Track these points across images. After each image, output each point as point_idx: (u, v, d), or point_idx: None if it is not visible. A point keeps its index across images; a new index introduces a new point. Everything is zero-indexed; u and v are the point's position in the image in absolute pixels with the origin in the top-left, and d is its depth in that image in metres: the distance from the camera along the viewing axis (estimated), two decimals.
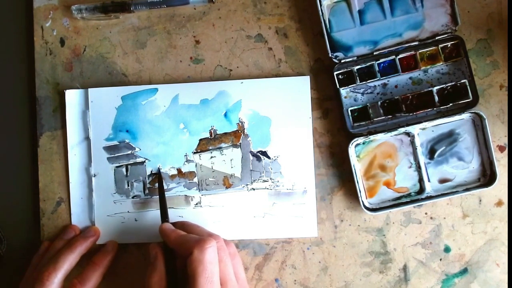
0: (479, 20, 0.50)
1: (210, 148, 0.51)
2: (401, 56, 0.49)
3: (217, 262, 0.42)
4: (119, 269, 0.51)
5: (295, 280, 0.50)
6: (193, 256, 0.41)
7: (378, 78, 0.49)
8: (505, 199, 0.49)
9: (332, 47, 0.49)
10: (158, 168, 0.50)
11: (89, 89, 0.51)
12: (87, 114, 0.51)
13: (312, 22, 0.51)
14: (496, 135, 0.50)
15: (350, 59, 0.49)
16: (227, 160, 0.51)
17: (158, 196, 0.50)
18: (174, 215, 0.50)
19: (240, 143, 0.51)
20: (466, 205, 0.50)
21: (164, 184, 0.50)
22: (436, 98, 0.49)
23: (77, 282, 0.47)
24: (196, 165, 0.51)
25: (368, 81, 0.50)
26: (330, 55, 0.49)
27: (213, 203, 0.50)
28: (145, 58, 0.52)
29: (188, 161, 0.51)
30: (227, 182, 0.51)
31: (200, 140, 0.51)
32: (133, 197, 0.51)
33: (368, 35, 0.49)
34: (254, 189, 0.50)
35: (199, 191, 0.51)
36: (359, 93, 0.50)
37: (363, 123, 0.49)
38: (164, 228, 0.46)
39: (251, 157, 0.50)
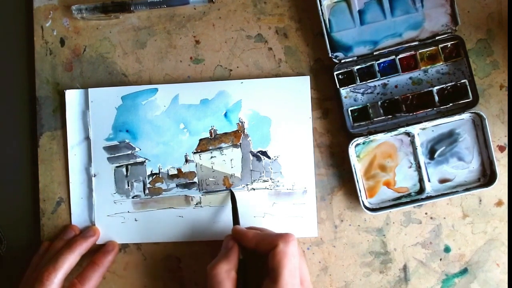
0: (479, 20, 0.50)
1: (210, 148, 0.51)
2: (401, 56, 0.49)
3: (298, 256, 0.42)
4: (119, 269, 0.51)
5: None
6: (278, 248, 0.41)
7: (378, 78, 0.49)
8: (505, 199, 0.49)
9: (332, 47, 0.49)
10: (230, 190, 0.50)
11: (89, 89, 0.51)
12: (87, 114, 0.51)
13: (312, 22, 0.51)
14: (496, 135, 0.50)
15: (350, 59, 0.49)
16: (227, 160, 0.51)
17: (160, 196, 0.50)
18: (174, 215, 0.50)
19: (240, 143, 0.51)
20: (466, 205, 0.50)
21: (164, 184, 0.51)
22: (436, 98, 0.49)
23: (77, 282, 0.48)
24: (196, 165, 0.51)
25: (368, 81, 0.50)
26: (330, 55, 0.49)
27: (213, 203, 0.50)
28: (145, 58, 0.52)
29: (188, 161, 0.51)
30: (227, 182, 0.51)
31: (200, 140, 0.51)
32: (133, 197, 0.51)
33: (368, 35, 0.49)
34: (254, 189, 0.50)
35: (199, 191, 0.51)
36: (359, 93, 0.50)
37: (363, 123, 0.49)
38: (239, 228, 0.46)
39: (251, 157, 0.50)
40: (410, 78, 0.50)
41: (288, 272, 0.40)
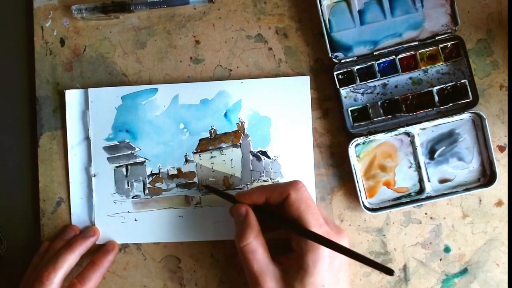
0: (479, 20, 0.50)
1: (210, 148, 0.51)
2: (401, 56, 0.49)
3: (311, 198, 0.43)
4: (119, 269, 0.51)
5: None
6: (291, 197, 0.42)
7: (378, 78, 0.49)
8: (505, 199, 0.49)
9: (332, 47, 0.49)
10: (205, 186, 0.50)
11: (89, 89, 0.51)
12: (87, 114, 0.51)
13: (312, 22, 0.51)
14: (496, 135, 0.50)
15: (350, 59, 0.49)
16: (227, 160, 0.51)
17: (160, 196, 0.50)
18: (174, 215, 0.50)
19: (240, 143, 0.51)
20: (466, 205, 0.50)
21: (164, 184, 0.51)
22: (436, 98, 0.49)
23: (77, 282, 0.48)
24: (196, 165, 0.51)
25: (368, 81, 0.50)
26: (330, 55, 0.49)
27: (213, 203, 0.50)
28: (145, 58, 0.52)
29: (188, 161, 0.51)
30: (227, 182, 0.51)
31: (200, 140, 0.51)
32: (133, 197, 0.51)
33: (368, 35, 0.49)
34: None
35: (199, 191, 0.51)
36: (359, 93, 0.50)
37: (363, 123, 0.49)
38: (243, 192, 0.45)
39: (251, 157, 0.50)
40: (410, 78, 0.50)
41: (311, 216, 0.42)
